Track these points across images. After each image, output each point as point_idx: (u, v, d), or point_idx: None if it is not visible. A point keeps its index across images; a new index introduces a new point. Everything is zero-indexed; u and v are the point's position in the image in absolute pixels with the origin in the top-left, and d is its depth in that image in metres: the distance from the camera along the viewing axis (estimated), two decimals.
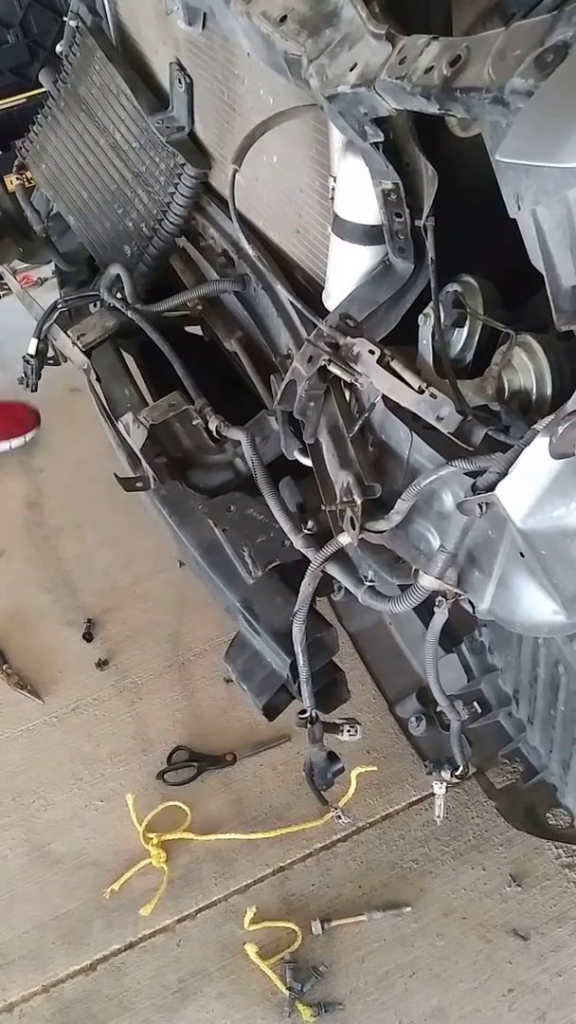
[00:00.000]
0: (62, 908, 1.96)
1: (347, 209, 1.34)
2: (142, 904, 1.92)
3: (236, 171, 1.37)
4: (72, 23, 2.00)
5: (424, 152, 1.17)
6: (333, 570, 1.33)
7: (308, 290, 1.56)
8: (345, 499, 1.27)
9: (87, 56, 1.98)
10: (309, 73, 1.19)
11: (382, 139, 1.17)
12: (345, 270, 1.40)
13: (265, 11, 1.26)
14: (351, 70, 1.12)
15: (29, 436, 2.90)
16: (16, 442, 2.88)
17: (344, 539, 1.28)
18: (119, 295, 1.86)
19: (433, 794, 1.68)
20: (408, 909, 1.89)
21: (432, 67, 1.00)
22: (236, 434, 1.59)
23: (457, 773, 1.57)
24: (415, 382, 1.20)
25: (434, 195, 1.18)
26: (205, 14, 1.57)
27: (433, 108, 1.01)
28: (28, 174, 2.27)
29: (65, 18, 2.02)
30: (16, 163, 2.27)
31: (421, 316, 1.28)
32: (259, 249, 1.54)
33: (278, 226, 1.63)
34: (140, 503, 1.95)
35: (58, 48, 2.07)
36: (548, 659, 1.58)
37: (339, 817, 1.63)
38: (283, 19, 1.23)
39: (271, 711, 1.51)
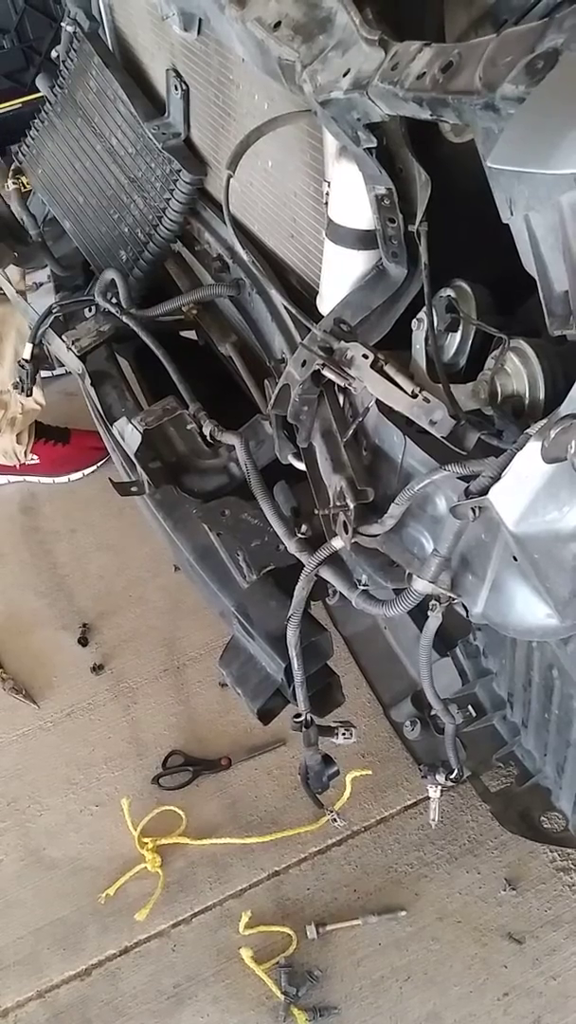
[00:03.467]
0: (57, 913, 1.95)
1: (341, 214, 1.34)
2: (137, 909, 1.92)
3: (231, 176, 1.37)
4: (69, 28, 2.00)
5: (417, 157, 1.17)
6: (327, 574, 1.34)
7: (302, 294, 1.57)
8: (339, 503, 1.27)
9: (84, 62, 1.98)
10: (303, 79, 1.19)
11: (375, 144, 1.17)
12: (339, 275, 1.40)
13: (259, 17, 1.26)
14: (344, 76, 1.12)
15: None
16: None
17: (338, 543, 1.28)
18: (114, 300, 1.86)
19: (428, 798, 1.67)
20: (403, 913, 1.89)
21: (424, 73, 1.00)
22: (230, 438, 1.60)
23: (452, 777, 1.56)
24: (408, 386, 1.21)
25: (427, 200, 1.18)
26: (200, 20, 1.57)
27: (425, 114, 1.02)
28: (24, 179, 2.28)
29: (62, 23, 2.03)
30: (12, 168, 2.27)
31: (415, 321, 1.29)
32: (254, 254, 1.55)
33: (272, 231, 1.63)
34: (135, 508, 1.96)
35: (54, 53, 2.08)
36: (542, 663, 1.58)
37: (334, 821, 1.63)
38: (277, 25, 1.23)
39: (266, 715, 1.51)
